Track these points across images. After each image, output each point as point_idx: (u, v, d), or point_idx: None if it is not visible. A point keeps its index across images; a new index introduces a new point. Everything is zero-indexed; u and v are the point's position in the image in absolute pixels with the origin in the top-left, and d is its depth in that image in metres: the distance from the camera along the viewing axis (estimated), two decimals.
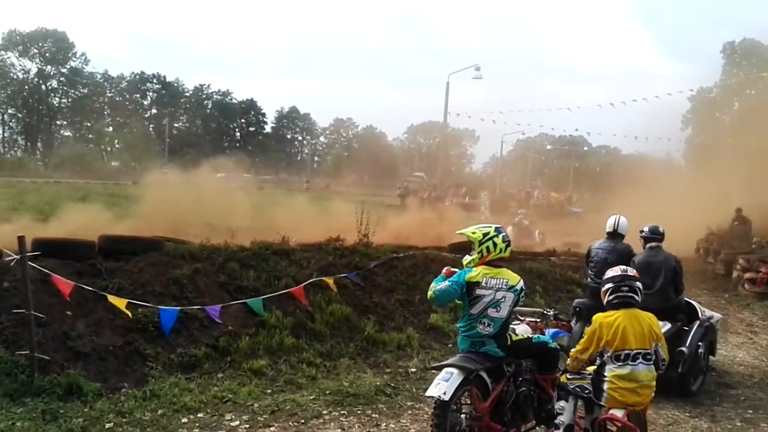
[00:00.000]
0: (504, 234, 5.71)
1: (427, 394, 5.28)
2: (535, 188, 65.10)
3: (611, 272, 5.66)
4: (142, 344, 7.60)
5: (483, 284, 5.50)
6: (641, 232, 9.04)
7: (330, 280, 9.86)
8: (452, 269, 5.85)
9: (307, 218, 17.73)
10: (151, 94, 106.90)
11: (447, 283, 5.63)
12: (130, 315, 7.69)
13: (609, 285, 5.55)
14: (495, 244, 5.62)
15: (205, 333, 8.10)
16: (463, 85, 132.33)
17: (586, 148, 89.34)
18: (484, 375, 5.54)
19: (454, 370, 5.29)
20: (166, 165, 61.20)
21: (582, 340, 5.54)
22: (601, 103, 49.60)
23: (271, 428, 6.47)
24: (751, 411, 7.89)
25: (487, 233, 5.66)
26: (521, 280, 5.60)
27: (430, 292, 5.70)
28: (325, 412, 6.94)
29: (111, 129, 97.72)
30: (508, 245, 5.70)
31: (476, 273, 5.57)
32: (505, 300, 5.48)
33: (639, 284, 5.57)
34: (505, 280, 5.51)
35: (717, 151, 41.81)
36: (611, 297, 5.51)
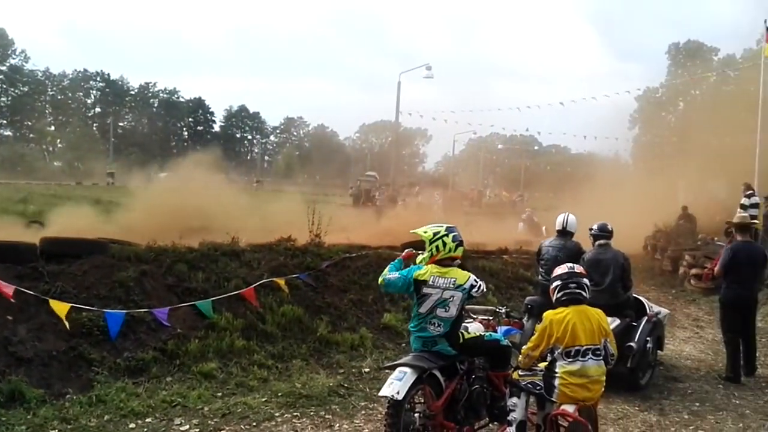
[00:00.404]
0: (455, 234, 5.71)
1: (381, 393, 5.27)
2: (487, 187, 65.72)
3: (559, 270, 5.73)
4: (87, 349, 7.38)
5: (430, 283, 5.52)
6: (590, 229, 9.18)
7: (281, 281, 9.76)
8: (413, 251, 5.87)
9: (257, 218, 17.54)
10: (94, 92, 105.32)
11: (397, 274, 5.69)
12: (68, 326, 7.44)
13: (557, 282, 5.60)
14: (444, 244, 5.62)
15: (152, 336, 7.93)
16: (415, 84, 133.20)
17: (536, 148, 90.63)
18: (438, 373, 5.56)
19: (408, 370, 5.28)
20: (110, 165, 60.08)
21: (533, 338, 5.57)
22: (551, 102, 50.37)
23: None
24: (698, 404, 8.05)
25: (438, 232, 5.67)
26: (470, 278, 5.57)
27: (380, 278, 5.77)
28: (277, 414, 6.87)
29: (53, 128, 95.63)
30: (459, 245, 5.70)
31: (425, 271, 5.59)
32: (453, 299, 5.48)
33: (586, 281, 5.64)
34: (452, 279, 5.50)
35: (663, 150, 42.80)
36: (560, 294, 5.56)
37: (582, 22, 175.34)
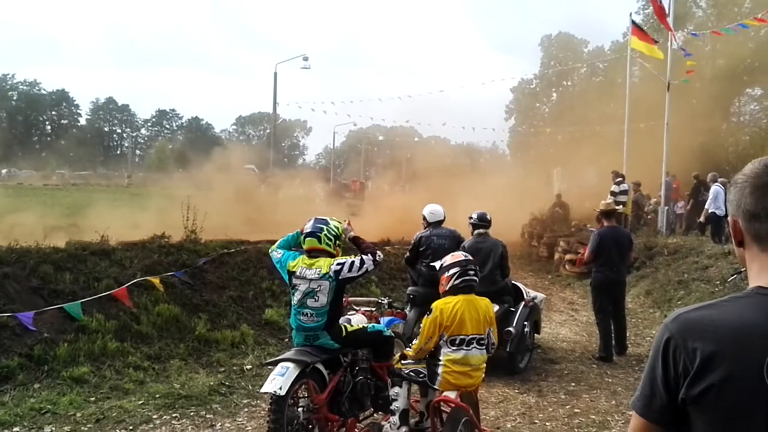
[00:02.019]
0: (328, 227, 5.76)
1: (263, 390, 5.25)
2: (369, 179, 66.15)
3: (454, 258, 5.77)
4: None
5: (298, 274, 5.58)
6: (470, 218, 9.43)
7: (156, 280, 9.48)
8: (322, 218, 5.89)
9: (129, 215, 16.98)
10: None
11: (281, 253, 5.81)
12: None
13: (456, 269, 5.61)
14: (317, 237, 5.72)
15: (17, 342, 7.53)
16: (293, 74, 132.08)
17: (416, 139, 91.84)
18: (321, 367, 5.59)
19: (290, 365, 5.29)
20: None
21: (423, 330, 5.57)
22: (431, 91, 51.30)
23: None
24: (573, 384, 8.48)
25: (311, 225, 5.76)
26: (333, 264, 5.56)
27: (272, 246, 5.97)
28: (155, 416, 6.71)
29: None
30: (333, 238, 5.74)
31: (296, 262, 5.66)
32: (321, 289, 5.51)
33: (477, 268, 5.82)
34: (318, 270, 5.53)
35: (538, 140, 44.53)
36: (458, 281, 5.58)
37: (459, 14, 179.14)
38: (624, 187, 19.56)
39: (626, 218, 19.64)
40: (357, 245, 5.94)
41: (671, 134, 20.62)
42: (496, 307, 8.56)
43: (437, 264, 5.88)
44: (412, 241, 9.45)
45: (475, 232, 9.32)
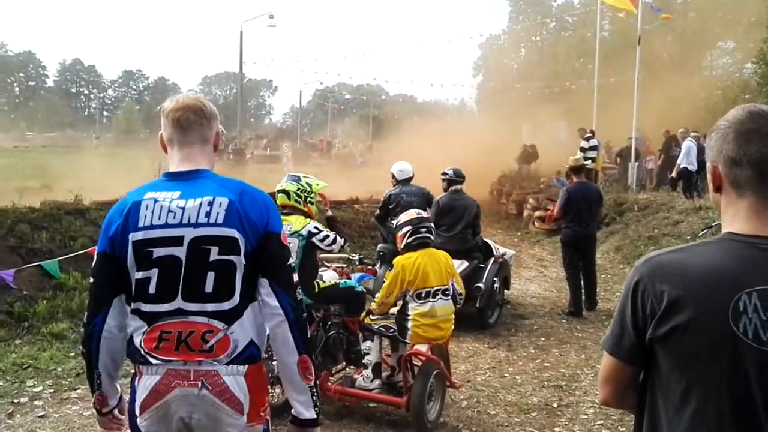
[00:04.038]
0: (299, 184, 5.89)
1: None
2: (336, 138, 65.92)
3: (407, 216, 5.98)
4: None
5: None
6: (444, 174, 9.47)
7: None
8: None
9: (100, 175, 16.93)
10: None
11: None
12: None
13: (408, 228, 5.84)
14: (287, 193, 5.87)
15: None
16: (259, 33, 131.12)
17: (383, 97, 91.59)
18: None
19: None
20: None
21: (385, 284, 5.78)
22: (398, 48, 50.90)
23: (77, 390, 6.37)
24: (543, 338, 8.68)
25: (283, 182, 5.94)
26: (309, 225, 5.72)
27: None
28: (132, 370, 6.80)
29: None
30: (302, 194, 5.86)
31: None
32: (290, 246, 5.60)
33: (432, 225, 6.02)
34: (289, 226, 5.62)
35: (507, 97, 44.58)
36: (411, 239, 5.80)
37: None
38: (594, 142, 19.77)
39: (596, 174, 19.88)
40: (330, 226, 6.14)
41: (641, 89, 20.80)
42: (465, 264, 8.77)
43: (393, 222, 6.06)
44: (382, 199, 9.58)
45: (451, 188, 9.39)
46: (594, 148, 19.52)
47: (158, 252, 2.47)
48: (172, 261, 2.47)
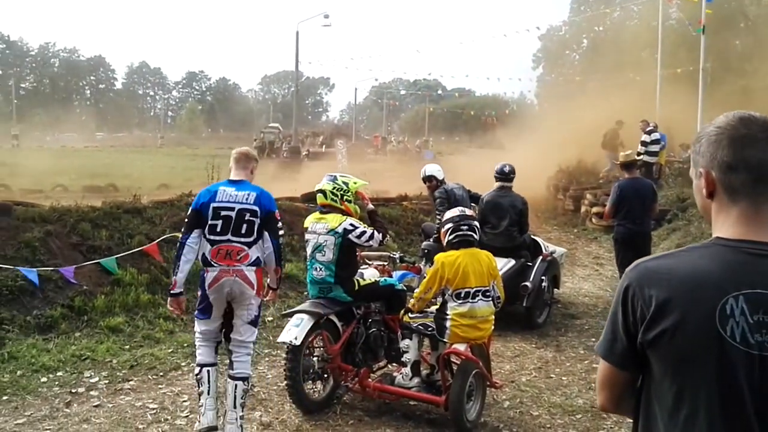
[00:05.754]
0: (335, 183, 6.11)
1: (279, 340, 5.86)
2: (391, 134, 66.13)
3: (450, 213, 6.06)
4: None
5: (310, 229, 6.09)
6: (499, 171, 9.49)
7: None
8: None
9: (161, 174, 17.52)
10: None
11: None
12: None
13: (449, 225, 5.92)
14: (323, 192, 6.13)
15: (60, 294, 8.22)
16: (315, 33, 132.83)
17: (440, 92, 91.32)
18: (335, 319, 6.05)
19: (305, 316, 5.77)
20: (14, 126, 60.46)
21: (425, 280, 5.89)
22: (453, 43, 50.74)
23: (131, 382, 6.75)
24: (593, 339, 8.56)
25: (321, 182, 6.20)
26: (344, 222, 5.95)
27: None
28: (183, 364, 7.28)
29: None
30: (338, 192, 6.08)
31: (310, 219, 6.18)
32: (327, 244, 5.95)
33: (476, 223, 6.02)
34: (326, 224, 5.97)
35: (568, 89, 43.98)
36: (452, 236, 5.88)
37: None
38: (656, 136, 19.32)
39: (661, 168, 19.46)
40: (372, 220, 6.39)
41: (710, 80, 20.27)
42: (513, 262, 8.79)
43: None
44: (439, 197, 9.46)
45: (497, 185, 9.43)
46: (656, 141, 19.07)
47: (223, 212, 5.24)
48: (228, 217, 5.23)
